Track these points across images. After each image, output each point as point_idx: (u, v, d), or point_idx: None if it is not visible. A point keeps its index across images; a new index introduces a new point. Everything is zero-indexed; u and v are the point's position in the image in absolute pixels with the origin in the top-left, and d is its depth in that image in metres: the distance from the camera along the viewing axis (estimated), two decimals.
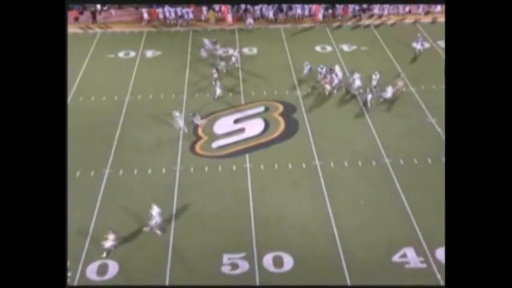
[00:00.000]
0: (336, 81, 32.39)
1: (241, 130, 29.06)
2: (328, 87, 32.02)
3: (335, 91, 32.20)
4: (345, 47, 38.58)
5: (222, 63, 35.07)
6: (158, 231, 22.08)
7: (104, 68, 36.01)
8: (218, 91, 31.73)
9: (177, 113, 28.88)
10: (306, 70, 33.92)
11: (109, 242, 21.25)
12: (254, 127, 29.15)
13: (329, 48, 38.48)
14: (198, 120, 29.29)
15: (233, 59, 35.63)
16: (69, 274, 20.09)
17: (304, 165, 26.01)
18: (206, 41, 37.40)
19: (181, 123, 28.77)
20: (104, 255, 21.12)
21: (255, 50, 38.33)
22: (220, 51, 36.56)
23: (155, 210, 22.17)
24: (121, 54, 37.87)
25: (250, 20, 42.27)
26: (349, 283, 19.85)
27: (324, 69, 33.25)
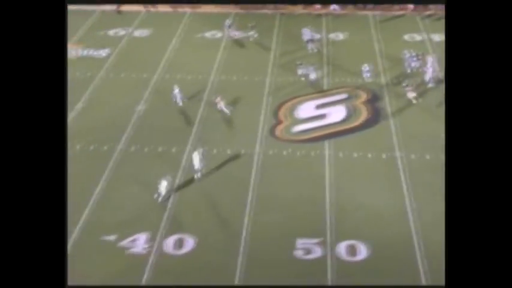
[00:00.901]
0: (429, 74, 31.24)
1: (323, 116, 28.90)
2: (412, 94, 29.95)
3: (430, 84, 31.10)
4: (436, 37, 37.38)
5: (310, 46, 35.01)
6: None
7: (190, 47, 36.62)
8: (313, 75, 31.64)
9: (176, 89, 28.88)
10: (365, 74, 31.80)
11: (162, 188, 22.65)
12: (336, 114, 28.93)
13: (418, 38, 37.45)
14: (220, 104, 28.91)
15: (311, 46, 35.30)
16: (145, 246, 20.80)
17: (384, 156, 25.62)
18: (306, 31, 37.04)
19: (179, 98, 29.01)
20: (160, 199, 22.71)
21: (341, 36, 37.88)
22: (308, 36, 36.32)
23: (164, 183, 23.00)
24: (208, 35, 38.36)
25: (334, 6, 41.73)
26: (422, 279, 19.51)
27: (415, 59, 32.29)
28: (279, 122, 28.50)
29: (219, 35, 38.13)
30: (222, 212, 22.55)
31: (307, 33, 36.45)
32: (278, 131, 27.83)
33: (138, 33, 38.75)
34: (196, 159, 24.40)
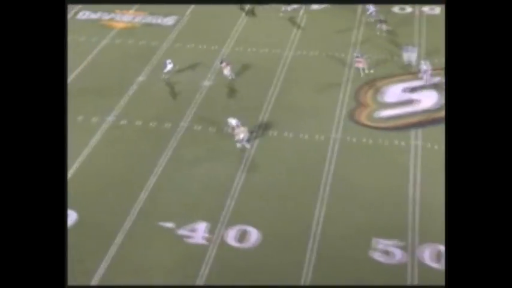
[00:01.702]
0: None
1: (414, 101, 28.28)
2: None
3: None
4: None
5: (379, 26, 34.18)
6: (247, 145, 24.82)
7: (267, 19, 36.56)
8: (412, 56, 30.92)
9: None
10: (409, 58, 30.91)
11: (241, 135, 24.55)
12: (429, 99, 28.25)
13: None
14: (227, 71, 29.49)
15: (380, 25, 34.43)
16: (205, 235, 21.05)
17: None
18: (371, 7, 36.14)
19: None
20: (247, 146, 24.69)
21: (437, 10, 36.86)
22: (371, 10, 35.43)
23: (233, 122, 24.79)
24: (285, 6, 38.16)
25: None
26: None
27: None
28: (360, 105, 28.12)
29: (296, 6, 37.88)
30: (291, 203, 22.52)
31: (372, 10, 35.51)
32: (359, 115, 27.47)
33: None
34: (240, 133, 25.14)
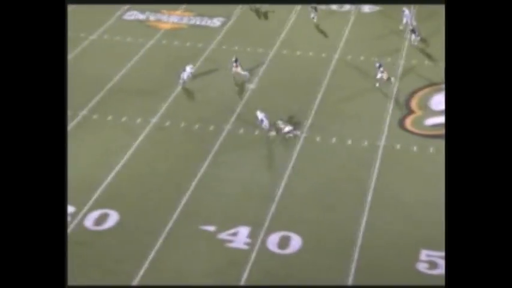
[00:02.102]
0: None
1: None
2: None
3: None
4: None
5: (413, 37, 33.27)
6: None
7: (313, 22, 36.29)
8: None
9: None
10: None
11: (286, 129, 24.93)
12: None
13: None
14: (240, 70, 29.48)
15: (415, 37, 33.42)
16: (248, 240, 20.87)
17: None
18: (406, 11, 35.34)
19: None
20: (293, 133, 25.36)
21: None
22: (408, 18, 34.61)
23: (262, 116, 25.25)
24: (334, 7, 37.89)
25: None
26: None
27: None
28: (408, 112, 27.67)
29: (347, 7, 37.54)
30: (334, 210, 22.18)
31: (407, 16, 34.39)
32: (406, 122, 27.03)
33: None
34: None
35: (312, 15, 35.69)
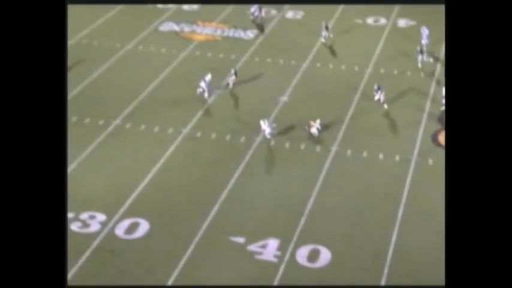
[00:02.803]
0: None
1: None
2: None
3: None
4: None
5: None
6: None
7: (348, 33, 36.35)
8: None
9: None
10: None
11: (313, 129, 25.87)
12: None
13: None
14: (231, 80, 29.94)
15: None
16: (278, 253, 20.87)
17: None
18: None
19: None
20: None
21: None
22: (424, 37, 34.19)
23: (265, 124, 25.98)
24: (370, 21, 37.89)
25: None
26: None
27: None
28: (442, 127, 27.45)
29: (382, 21, 37.50)
30: (366, 224, 22.09)
31: (424, 32, 33.76)
32: (440, 137, 26.83)
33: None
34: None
35: (324, 33, 35.04)
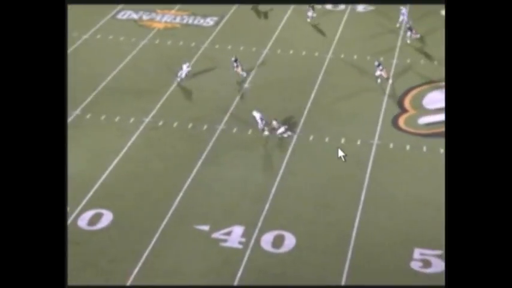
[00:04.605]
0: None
1: None
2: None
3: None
4: None
5: (409, 34, 33.47)
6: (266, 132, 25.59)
7: (307, 21, 36.37)
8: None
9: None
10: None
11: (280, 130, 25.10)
12: None
13: None
14: (240, 70, 29.59)
15: (411, 33, 33.59)
16: (243, 239, 20.93)
17: None
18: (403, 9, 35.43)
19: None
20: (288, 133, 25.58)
21: None
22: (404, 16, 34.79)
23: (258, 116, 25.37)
24: (329, 6, 37.98)
25: None
26: None
27: None
28: (404, 111, 27.77)
29: (341, 6, 37.62)
30: (330, 210, 22.27)
31: (404, 13, 34.69)
32: (400, 121, 27.12)
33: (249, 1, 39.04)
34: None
35: (309, 13, 35.78)
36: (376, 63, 29.63)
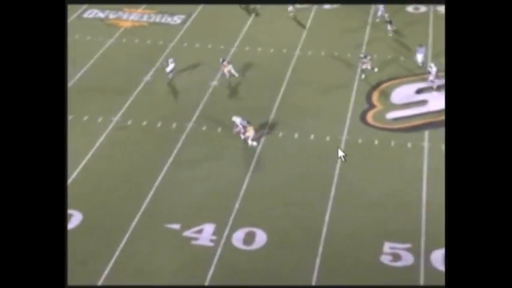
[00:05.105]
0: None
1: (424, 102, 28.11)
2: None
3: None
4: None
5: (389, 28, 33.91)
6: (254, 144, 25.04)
7: (275, 18, 36.40)
8: (420, 56, 30.68)
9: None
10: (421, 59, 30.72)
11: (248, 133, 24.68)
12: (439, 100, 28.01)
13: None
14: (227, 69, 29.38)
15: (390, 28, 34.15)
16: (214, 237, 20.85)
17: None
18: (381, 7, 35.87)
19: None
20: (254, 144, 24.88)
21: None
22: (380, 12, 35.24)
23: (238, 120, 24.88)
24: (297, 5, 37.98)
25: None
26: None
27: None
28: (372, 107, 27.92)
29: (307, 5, 37.67)
30: (301, 206, 22.29)
31: (381, 9, 35.24)
32: (368, 116, 27.27)
33: None
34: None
35: (290, 8, 36.34)
36: (362, 55, 30.06)
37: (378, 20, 35.09)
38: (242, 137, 25.21)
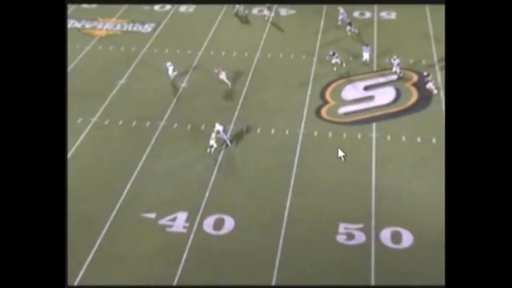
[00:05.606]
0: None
1: (371, 98, 28.44)
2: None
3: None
4: None
5: (348, 28, 34.38)
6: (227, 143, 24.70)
7: (236, 24, 36.45)
8: (366, 55, 31.15)
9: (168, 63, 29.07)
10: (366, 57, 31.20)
11: (212, 141, 24.11)
12: (384, 96, 28.41)
13: None
14: (223, 76, 29.14)
15: (350, 28, 34.57)
16: (187, 224, 20.93)
17: (434, 140, 25.08)
18: (341, 10, 36.28)
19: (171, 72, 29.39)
20: (208, 150, 24.21)
21: (393, 15, 37.13)
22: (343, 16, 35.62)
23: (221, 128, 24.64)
24: (254, 11, 38.12)
25: None
26: None
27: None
28: (325, 103, 28.18)
29: (266, 11, 37.81)
30: (263, 193, 22.49)
31: (342, 13, 35.67)
32: (322, 111, 27.52)
33: (183, 8, 38.80)
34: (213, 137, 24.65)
35: (266, 12, 36.82)
36: (331, 52, 30.72)
37: (339, 23, 35.32)
38: (227, 141, 25.07)
